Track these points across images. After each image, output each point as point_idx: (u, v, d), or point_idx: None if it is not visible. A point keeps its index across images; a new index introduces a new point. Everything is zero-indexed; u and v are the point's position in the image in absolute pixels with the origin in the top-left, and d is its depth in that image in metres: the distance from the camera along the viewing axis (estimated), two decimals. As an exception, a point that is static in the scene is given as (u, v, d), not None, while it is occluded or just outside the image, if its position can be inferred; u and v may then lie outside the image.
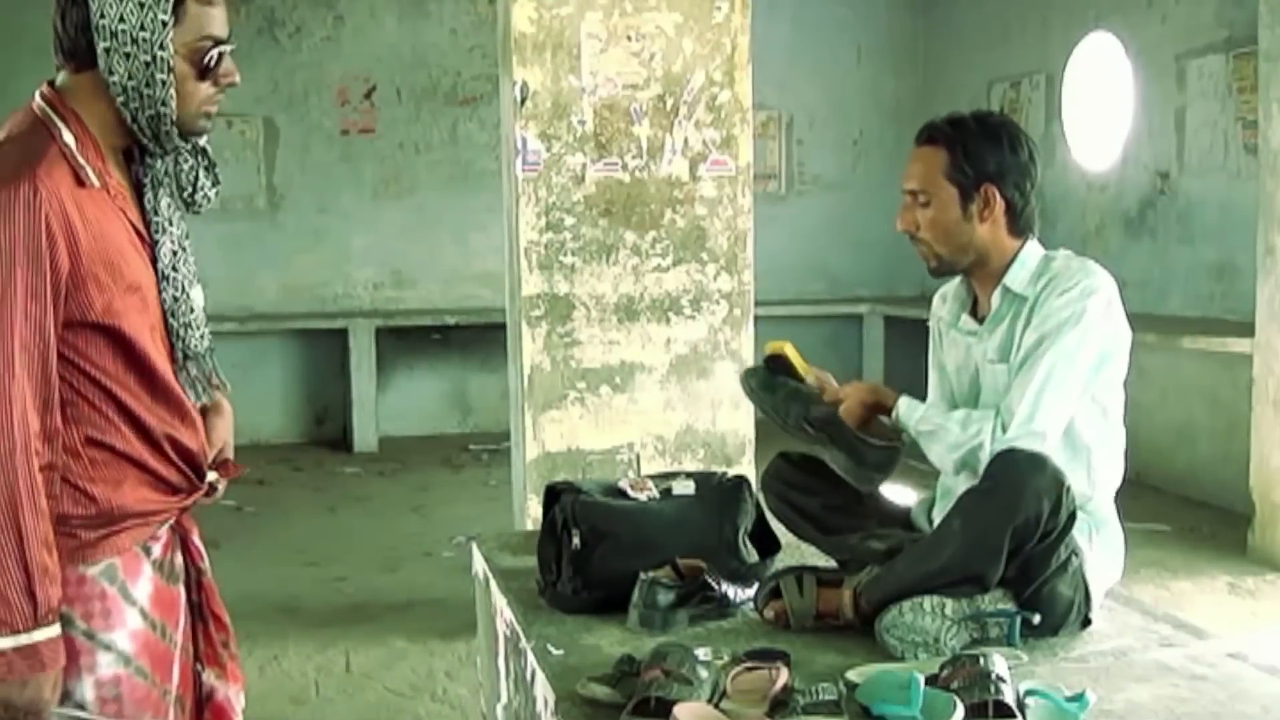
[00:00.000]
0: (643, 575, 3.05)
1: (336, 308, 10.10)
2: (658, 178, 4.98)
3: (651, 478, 3.53)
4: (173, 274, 2.24)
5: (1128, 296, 3.18)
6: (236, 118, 9.67)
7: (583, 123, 4.90)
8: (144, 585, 2.20)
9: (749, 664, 2.54)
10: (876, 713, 2.39)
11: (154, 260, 2.22)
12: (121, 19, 2.07)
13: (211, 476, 2.35)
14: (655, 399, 5.05)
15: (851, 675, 2.58)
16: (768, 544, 3.40)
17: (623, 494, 3.36)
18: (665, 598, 3.03)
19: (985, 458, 2.95)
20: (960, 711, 2.28)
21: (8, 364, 1.99)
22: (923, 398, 3.20)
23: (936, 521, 3.12)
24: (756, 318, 5.19)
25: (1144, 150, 8.49)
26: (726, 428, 5.10)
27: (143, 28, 2.08)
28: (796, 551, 3.50)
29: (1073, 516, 2.84)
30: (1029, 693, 2.41)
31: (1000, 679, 2.37)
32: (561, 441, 4.99)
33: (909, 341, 9.32)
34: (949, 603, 2.79)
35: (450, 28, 10.22)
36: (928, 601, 2.79)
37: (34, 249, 2.00)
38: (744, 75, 5.02)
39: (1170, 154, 8.22)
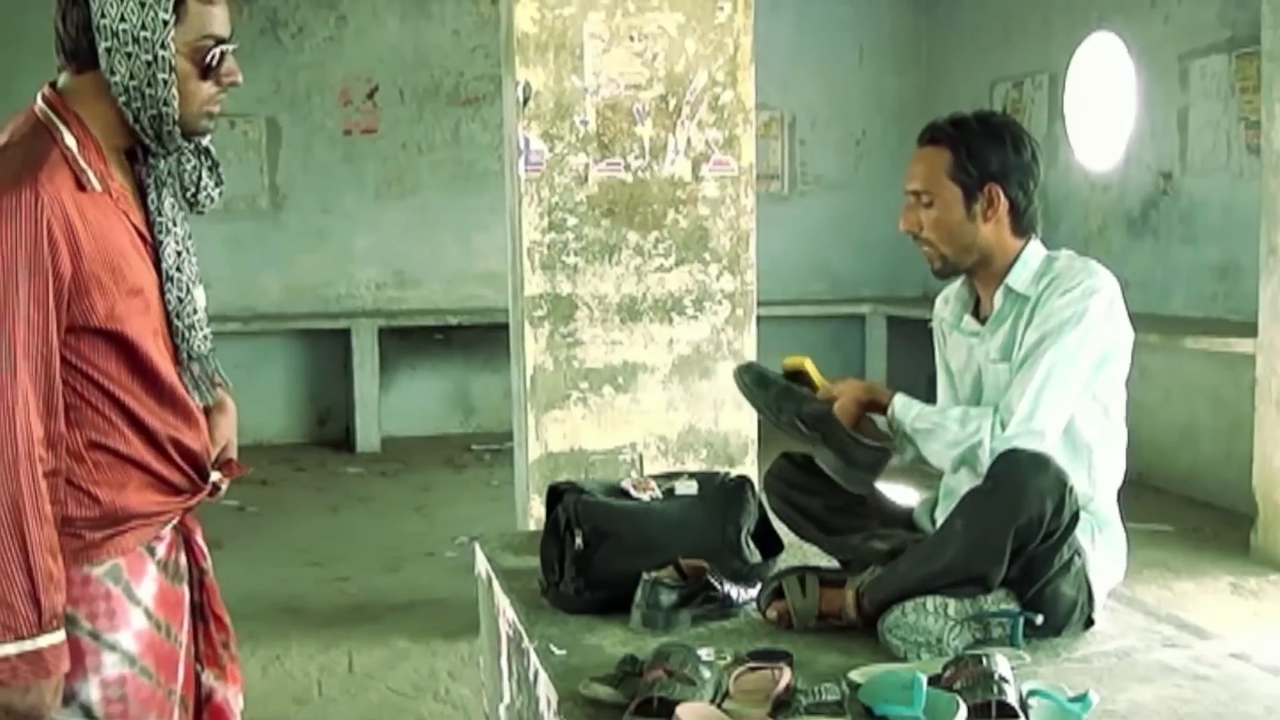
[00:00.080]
0: (645, 575, 3.05)
1: (339, 308, 10.11)
2: (660, 178, 4.98)
3: (654, 478, 3.53)
4: (177, 275, 2.24)
5: (1130, 297, 3.18)
6: (239, 118, 9.68)
7: (585, 123, 4.90)
8: (148, 585, 2.21)
9: (752, 664, 2.53)
10: (879, 713, 2.39)
11: (157, 262, 2.22)
12: (122, 19, 2.07)
13: (215, 477, 2.35)
14: (658, 399, 5.05)
15: (854, 675, 2.58)
16: (770, 544, 3.40)
17: (625, 494, 3.36)
18: (668, 598, 3.03)
19: (984, 455, 2.95)
20: (963, 712, 2.28)
21: (11, 370, 1.99)
22: (923, 398, 3.19)
23: (939, 522, 3.12)
24: (759, 318, 5.19)
25: (1147, 150, 8.48)
26: (729, 428, 5.10)
27: (144, 27, 2.08)
28: (799, 552, 3.50)
29: (1076, 517, 2.84)
30: (1032, 693, 2.40)
31: (1003, 679, 2.37)
32: (564, 441, 4.99)
33: (911, 342, 9.33)
34: (952, 603, 2.79)
35: (453, 28, 10.22)
36: (930, 602, 2.79)
37: (36, 255, 2.00)
38: (746, 75, 5.02)
39: (1173, 154, 8.22)
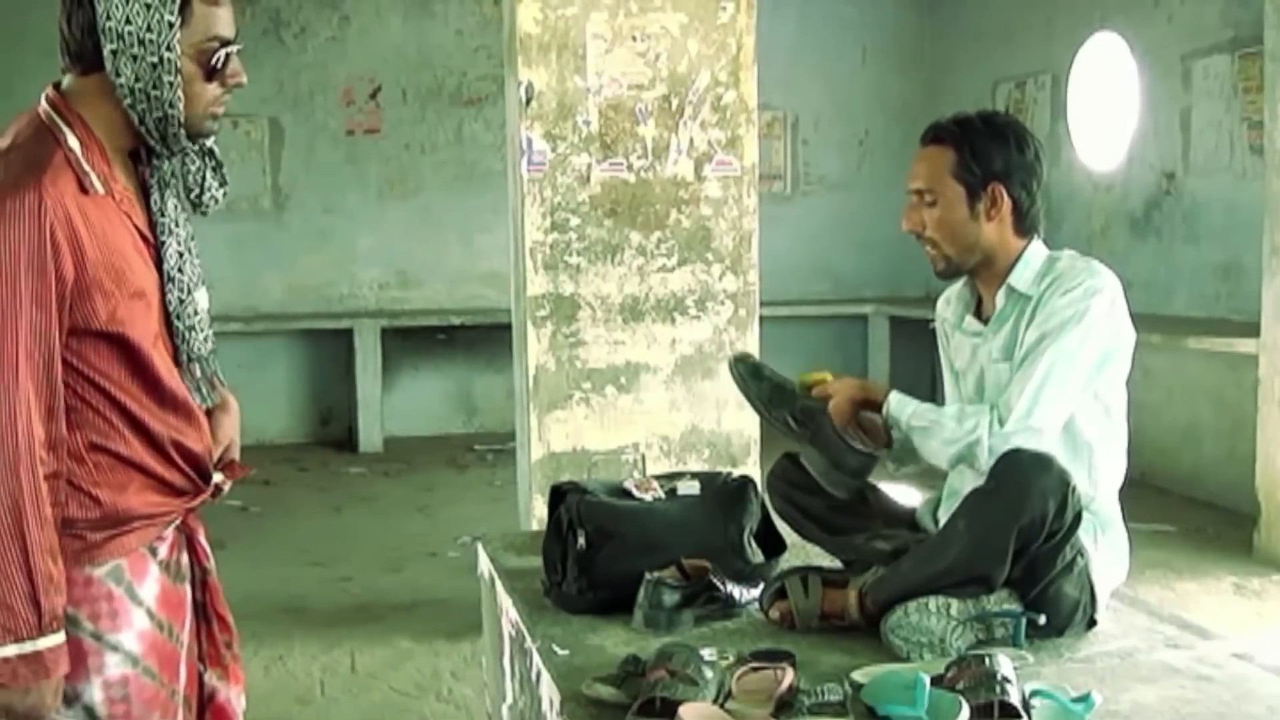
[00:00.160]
0: (648, 575, 3.05)
1: (342, 308, 10.11)
2: (663, 178, 4.98)
3: (657, 478, 3.53)
4: (178, 275, 2.24)
5: (1133, 297, 3.18)
6: (242, 118, 9.68)
7: (588, 123, 4.90)
8: (151, 586, 2.21)
9: (754, 664, 2.53)
10: (882, 713, 2.39)
11: (159, 262, 2.22)
12: (128, 21, 2.07)
13: (217, 478, 2.35)
14: (660, 399, 5.05)
15: (857, 675, 2.58)
16: (773, 544, 3.40)
17: (628, 494, 3.36)
18: (670, 598, 3.03)
19: (982, 452, 2.95)
20: (966, 712, 2.28)
21: (13, 373, 1.99)
22: (925, 398, 3.19)
23: (942, 522, 3.12)
24: (761, 318, 5.18)
25: (1149, 150, 8.48)
26: (732, 428, 5.10)
27: (149, 29, 2.08)
28: (802, 552, 3.50)
29: (1078, 517, 2.84)
30: (1034, 693, 2.40)
31: (1006, 679, 2.37)
32: (567, 442, 4.99)
33: (914, 342, 9.34)
34: (954, 603, 2.79)
35: (455, 28, 10.23)
36: (933, 602, 2.79)
37: (39, 258, 2.00)
38: (749, 75, 5.02)
39: (1176, 154, 8.22)
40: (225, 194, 2.35)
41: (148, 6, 2.07)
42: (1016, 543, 2.77)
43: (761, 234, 5.14)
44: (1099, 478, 3.08)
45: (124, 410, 2.14)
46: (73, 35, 2.13)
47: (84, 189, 2.08)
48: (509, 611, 3.40)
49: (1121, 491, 3.16)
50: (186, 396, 2.24)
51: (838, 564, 3.33)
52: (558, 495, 3.37)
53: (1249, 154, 7.50)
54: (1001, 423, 2.95)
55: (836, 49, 10.80)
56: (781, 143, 10.83)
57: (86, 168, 2.10)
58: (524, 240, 4.92)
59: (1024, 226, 3.12)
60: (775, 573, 3.20)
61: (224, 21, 2.17)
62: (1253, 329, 6.62)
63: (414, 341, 10.05)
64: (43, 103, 2.15)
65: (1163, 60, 8.30)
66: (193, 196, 2.31)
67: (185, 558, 2.32)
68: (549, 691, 2.79)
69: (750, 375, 3.23)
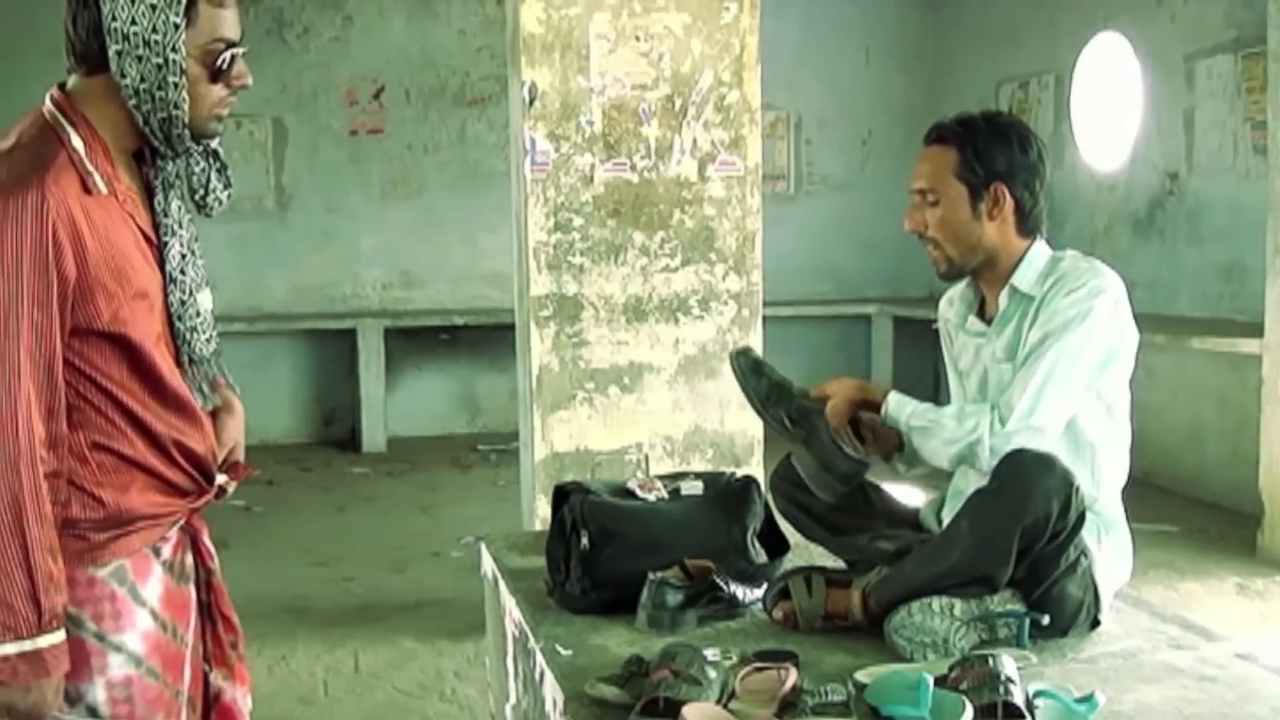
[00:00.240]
0: (651, 575, 3.05)
1: (345, 308, 10.11)
2: (666, 178, 4.98)
3: (660, 478, 3.53)
4: (180, 277, 2.24)
5: (1136, 297, 3.18)
6: (245, 118, 9.69)
7: (591, 123, 4.90)
8: (154, 586, 2.21)
9: (758, 664, 2.54)
10: (885, 713, 2.39)
11: (162, 263, 2.22)
12: (133, 21, 2.07)
13: (221, 479, 2.35)
14: (664, 399, 5.05)
15: (860, 676, 2.58)
16: (776, 544, 3.41)
17: (631, 494, 3.36)
18: (674, 598, 3.03)
19: (983, 452, 2.95)
20: (969, 712, 2.28)
21: (14, 372, 2.00)
22: (928, 399, 3.19)
23: (945, 522, 3.12)
24: (765, 318, 5.18)
25: (1153, 150, 8.48)
26: (735, 428, 5.10)
27: (154, 30, 2.08)
28: (805, 552, 3.49)
29: (1082, 517, 2.84)
30: (1038, 694, 2.40)
31: (1009, 680, 2.37)
32: (570, 442, 4.99)
33: (917, 342, 9.34)
34: (958, 603, 2.79)
35: (459, 28, 10.23)
36: (936, 602, 2.79)
37: (41, 257, 2.00)
38: (752, 75, 5.02)
39: (1179, 154, 8.22)
40: (230, 195, 2.35)
41: (153, 8, 2.07)
42: (1020, 543, 2.77)
43: (765, 234, 5.14)
44: (1102, 478, 3.08)
45: (126, 410, 2.14)
46: (78, 36, 2.13)
47: (87, 189, 2.08)
48: (512, 611, 3.40)
49: (1124, 492, 3.16)
50: (189, 397, 2.24)
51: (841, 564, 3.33)
52: (561, 495, 3.37)
53: (1252, 154, 7.50)
54: (1003, 422, 2.95)
55: (840, 49, 10.80)
56: (785, 143, 10.83)
57: (90, 167, 2.10)
58: (527, 240, 4.92)
59: (1026, 227, 3.12)
60: (779, 573, 3.20)
61: (229, 23, 2.17)
62: (1256, 329, 6.62)
63: (417, 341, 10.06)
64: (47, 103, 2.16)
65: (1166, 60, 8.29)
66: (197, 198, 2.31)
67: (189, 558, 2.32)
68: (552, 691, 2.79)
69: (750, 370, 3.23)
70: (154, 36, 2.08)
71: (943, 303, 3.42)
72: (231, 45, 2.18)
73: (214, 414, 2.36)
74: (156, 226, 2.23)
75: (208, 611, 2.37)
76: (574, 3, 4.84)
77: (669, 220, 5.00)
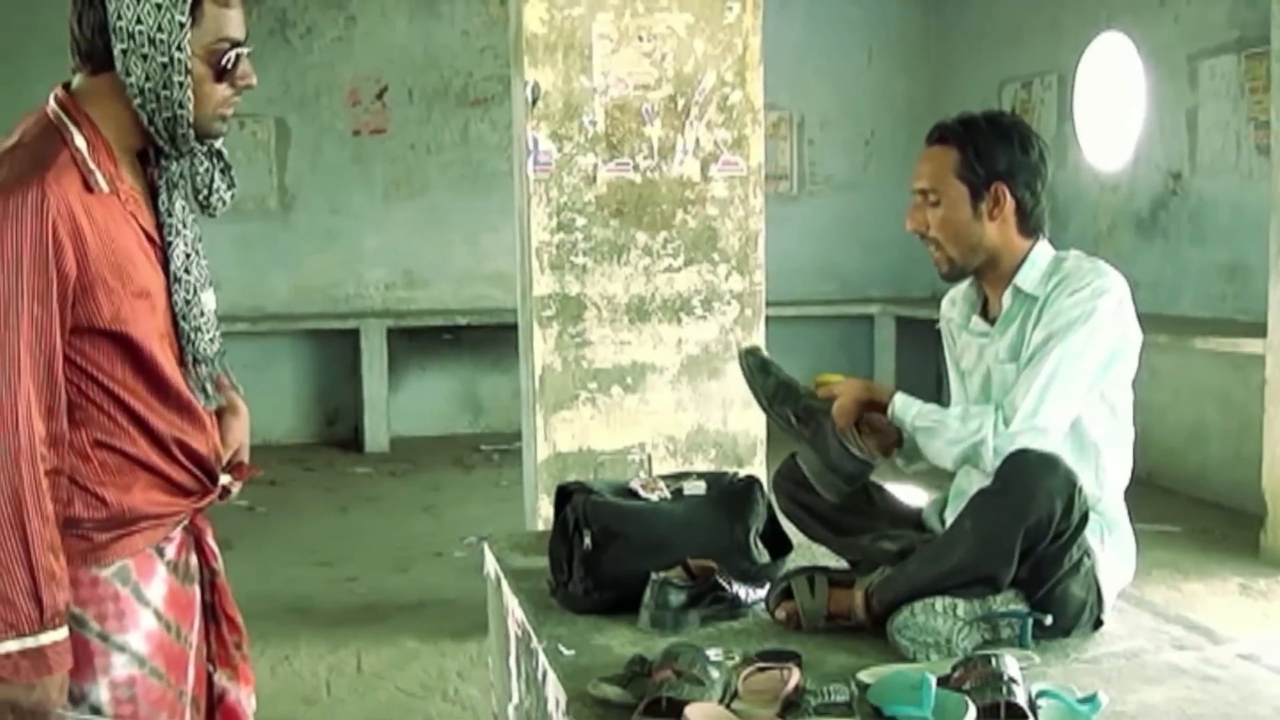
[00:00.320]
0: (654, 576, 3.05)
1: (348, 308, 10.12)
2: (669, 178, 4.98)
3: (663, 478, 3.53)
4: (185, 276, 2.24)
5: (1139, 297, 3.17)
6: (248, 118, 9.69)
7: (594, 123, 4.90)
8: (158, 586, 2.21)
9: (760, 664, 2.54)
10: (888, 713, 2.39)
11: (165, 263, 2.22)
12: (139, 20, 2.08)
13: (225, 479, 2.35)
14: (666, 399, 5.05)
15: (863, 676, 2.58)
16: (779, 544, 3.41)
17: (634, 494, 3.36)
18: (677, 598, 3.03)
19: (987, 452, 2.95)
20: (972, 712, 2.28)
21: (14, 369, 2.00)
22: (931, 399, 3.19)
23: (948, 522, 3.11)
24: (768, 318, 5.18)
25: (1156, 151, 8.48)
26: (738, 428, 5.10)
27: (160, 29, 2.08)
28: (808, 552, 3.49)
29: (1085, 517, 2.84)
30: (1041, 694, 2.40)
31: (1012, 680, 2.37)
32: (573, 442, 4.99)
33: (920, 342, 9.34)
34: (961, 603, 2.79)
35: (462, 28, 10.23)
36: (939, 602, 2.79)
37: (41, 254, 2.00)
38: (755, 75, 5.02)
39: (1182, 154, 8.21)
40: (234, 195, 2.35)
41: (159, 7, 2.08)
42: (1023, 543, 2.77)
43: (767, 234, 5.14)
44: (1105, 478, 3.08)
45: (128, 409, 2.14)
46: (83, 35, 2.13)
47: (89, 187, 2.09)
48: (515, 611, 3.40)
49: (1127, 492, 3.16)
50: (190, 397, 2.24)
51: (844, 564, 3.33)
52: (564, 495, 3.38)
53: (1255, 154, 7.50)
54: (1006, 422, 2.94)
55: (842, 49, 10.80)
56: (787, 143, 10.83)
57: (92, 166, 2.10)
58: (530, 240, 4.92)
59: (1028, 227, 3.12)
60: (781, 573, 3.20)
61: (235, 23, 2.18)
62: (1259, 329, 6.62)
63: (420, 342, 10.06)
64: (51, 102, 2.16)
65: (1169, 60, 8.29)
66: (201, 197, 2.31)
67: (194, 559, 2.32)
68: (555, 691, 2.79)
69: (758, 369, 3.23)
70: (159, 35, 2.08)
71: (945, 302, 3.42)
72: (236, 45, 2.18)
73: (219, 415, 2.36)
74: (160, 226, 2.23)
75: (212, 612, 2.38)
76: (577, 3, 4.84)
77: (672, 220, 5.00)
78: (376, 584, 6.29)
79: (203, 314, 2.27)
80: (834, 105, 10.86)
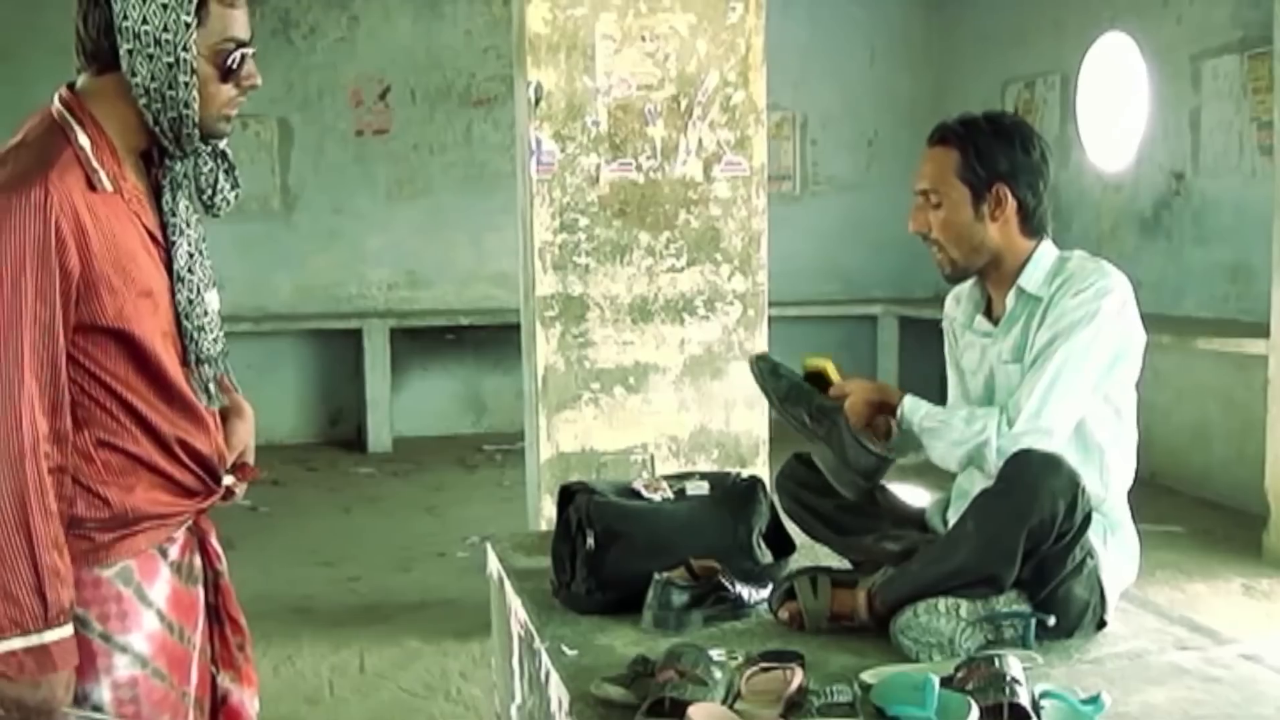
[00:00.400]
0: (657, 576, 3.05)
1: (351, 308, 10.12)
2: (672, 178, 4.98)
3: (666, 478, 3.53)
4: (188, 276, 2.24)
5: (1142, 297, 3.17)
6: (251, 119, 9.69)
7: (597, 123, 4.91)
8: (161, 587, 2.21)
9: (763, 665, 2.54)
10: (891, 714, 2.39)
11: (169, 263, 2.22)
12: (144, 21, 2.08)
13: (228, 480, 2.35)
14: (669, 400, 5.05)
15: (866, 676, 2.58)
16: (782, 545, 3.41)
17: (637, 495, 3.36)
18: (679, 598, 3.03)
19: (991, 454, 2.95)
20: (975, 713, 2.28)
21: (17, 366, 2.00)
22: (934, 400, 3.19)
23: (951, 523, 3.11)
24: (770, 318, 5.18)
25: (1159, 151, 8.47)
26: (740, 428, 5.10)
27: (165, 29, 2.08)
28: (811, 552, 3.50)
29: (1088, 518, 2.84)
30: (1044, 695, 2.40)
31: (1015, 681, 2.37)
32: (575, 442, 4.99)
33: (923, 342, 9.32)
34: (964, 604, 2.79)
35: (465, 29, 10.23)
36: (942, 603, 2.79)
37: (44, 252, 2.01)
38: (758, 76, 5.02)
39: (1185, 155, 8.21)
40: (238, 196, 2.35)
41: (164, 7, 2.08)
42: (1026, 544, 2.77)
43: (770, 234, 5.14)
44: (1110, 480, 3.08)
45: (130, 408, 2.14)
46: (89, 35, 2.13)
47: (92, 186, 2.09)
48: (518, 612, 3.40)
49: (1130, 492, 3.16)
50: (192, 397, 2.24)
51: (847, 565, 3.33)
52: (566, 495, 3.38)
53: (1258, 154, 7.49)
54: (1011, 424, 2.94)
55: (845, 49, 10.80)
56: (790, 143, 10.83)
57: (96, 165, 2.10)
58: (533, 241, 4.92)
59: (1031, 227, 3.12)
60: (784, 573, 3.20)
61: (240, 23, 2.18)
62: (1262, 329, 6.61)
63: (423, 342, 10.06)
64: (55, 102, 2.16)
65: (1172, 61, 8.29)
66: (205, 198, 2.31)
67: (197, 560, 2.32)
68: (558, 692, 2.79)
69: (769, 373, 3.24)
70: (165, 35, 2.08)
71: (949, 300, 3.42)
72: (242, 45, 2.18)
73: (224, 417, 2.36)
74: (164, 226, 2.23)
75: (215, 613, 2.38)
76: (580, 3, 4.85)
77: (674, 220, 5.00)
78: (379, 584, 6.29)
79: (206, 314, 2.28)
80: (837, 105, 10.85)
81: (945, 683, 2.42)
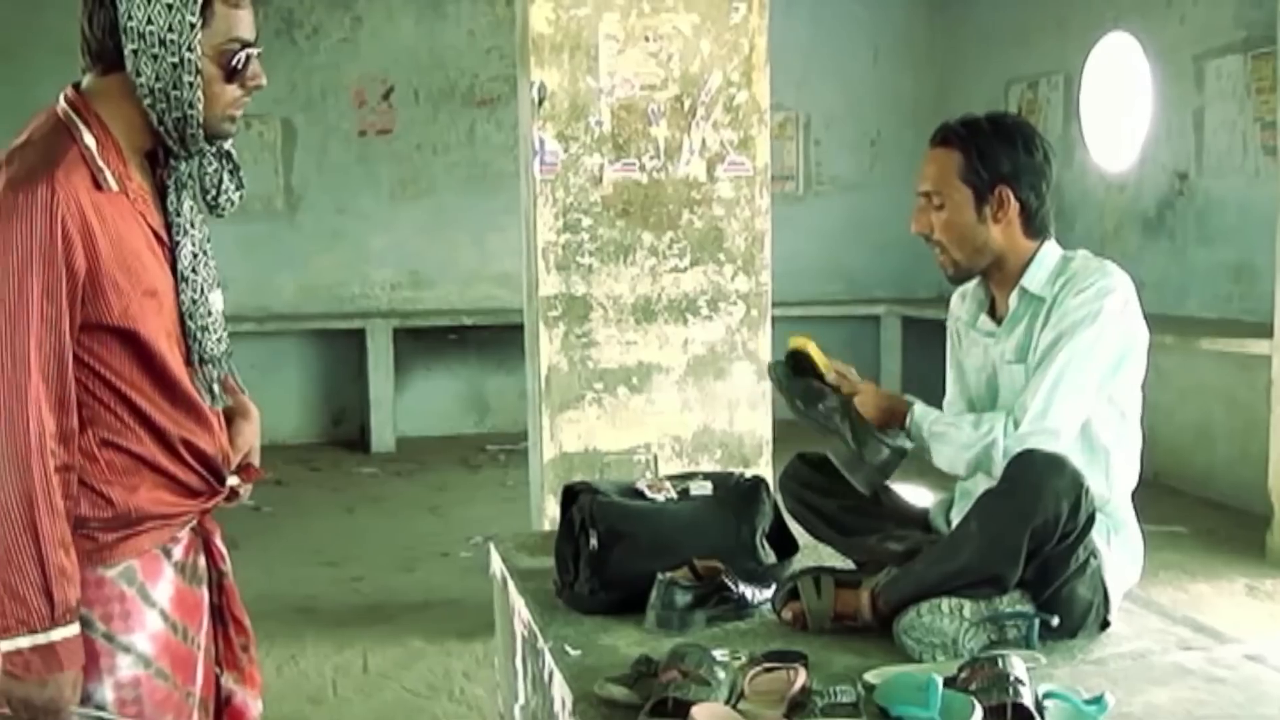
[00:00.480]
0: (660, 576, 3.05)
1: (354, 308, 10.12)
2: (675, 178, 4.98)
3: (669, 478, 3.53)
4: (192, 276, 2.24)
5: (1146, 297, 3.17)
6: (254, 119, 9.68)
7: (600, 124, 4.91)
8: (164, 587, 2.21)
9: (767, 665, 2.54)
10: (894, 714, 2.39)
11: (173, 263, 2.22)
12: (149, 21, 2.08)
13: (233, 480, 2.35)
14: (672, 400, 5.05)
15: (869, 677, 2.58)
16: (785, 545, 3.41)
17: (640, 495, 3.36)
18: (683, 598, 3.03)
19: (998, 456, 2.95)
20: (979, 713, 2.28)
21: (24, 365, 2.00)
22: (938, 399, 3.19)
23: (954, 523, 3.11)
24: (774, 318, 5.18)
25: (1162, 151, 8.46)
26: (744, 428, 5.10)
27: (171, 29, 2.09)
28: (814, 552, 3.50)
29: (1092, 518, 2.83)
30: (1047, 695, 2.40)
31: (1019, 681, 2.37)
32: (579, 442, 4.99)
33: (926, 342, 9.31)
34: (967, 604, 2.79)
35: (468, 29, 10.23)
36: (946, 603, 2.79)
37: (50, 251, 2.01)
38: (761, 76, 5.02)
39: (1188, 155, 8.20)
40: (242, 196, 2.35)
41: (169, 7, 2.08)
42: (1029, 544, 2.76)
43: (774, 234, 5.14)
44: (1115, 481, 3.08)
45: (134, 407, 2.15)
46: (94, 35, 2.13)
47: (98, 185, 2.09)
48: (521, 612, 3.40)
49: (1134, 493, 3.16)
50: (196, 396, 2.24)
51: (850, 565, 3.33)
52: (570, 495, 3.38)
53: (1262, 154, 7.49)
54: (1017, 424, 2.94)
55: (848, 49, 10.80)
56: (794, 143, 10.83)
57: (101, 164, 2.11)
58: (536, 241, 4.92)
59: (1033, 228, 3.12)
60: (787, 573, 3.20)
61: (245, 23, 2.18)
62: (1265, 330, 6.61)
63: (426, 342, 10.06)
64: (60, 101, 2.16)
65: (1175, 61, 8.28)
66: (209, 198, 2.31)
67: (201, 560, 2.32)
68: (561, 692, 2.79)
69: (785, 376, 3.24)
70: (170, 36, 2.08)
71: (954, 298, 3.42)
72: (246, 45, 2.18)
73: (230, 418, 2.37)
74: (169, 226, 2.23)
75: (219, 614, 2.38)
76: (583, 3, 4.85)
77: (678, 221, 5.00)
78: (383, 584, 6.29)
79: (210, 314, 2.28)
80: (840, 105, 10.85)
81: (949, 683, 2.42)
